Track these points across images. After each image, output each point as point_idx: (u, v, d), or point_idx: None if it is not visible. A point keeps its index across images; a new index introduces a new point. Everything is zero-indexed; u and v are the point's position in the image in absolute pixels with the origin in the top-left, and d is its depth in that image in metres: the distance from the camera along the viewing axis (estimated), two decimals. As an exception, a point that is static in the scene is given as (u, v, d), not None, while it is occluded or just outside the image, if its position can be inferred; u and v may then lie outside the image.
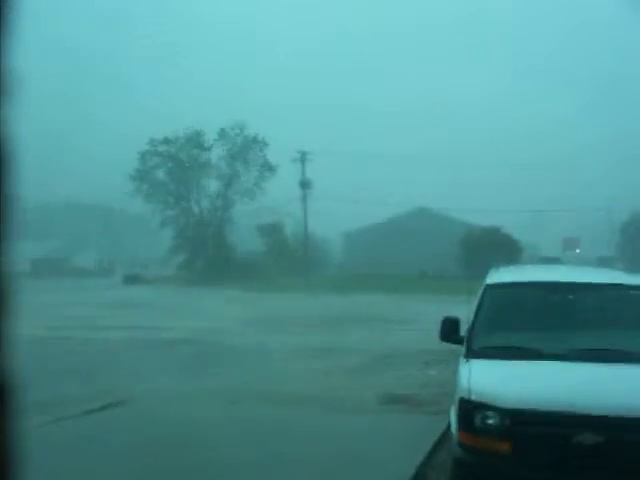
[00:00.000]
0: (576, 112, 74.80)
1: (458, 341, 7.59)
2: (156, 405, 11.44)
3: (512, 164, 69.26)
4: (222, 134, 65.14)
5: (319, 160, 63.41)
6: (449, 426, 7.32)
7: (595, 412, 6.02)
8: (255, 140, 64.80)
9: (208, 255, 62.57)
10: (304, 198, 64.29)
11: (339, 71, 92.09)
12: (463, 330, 7.62)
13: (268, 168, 64.78)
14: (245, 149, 65.24)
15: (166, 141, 65.44)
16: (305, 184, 64.45)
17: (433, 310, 17.07)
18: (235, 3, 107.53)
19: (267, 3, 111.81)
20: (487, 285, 7.92)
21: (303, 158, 64.33)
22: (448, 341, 7.76)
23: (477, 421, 6.34)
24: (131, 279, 55.76)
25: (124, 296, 38.80)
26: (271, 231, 67.71)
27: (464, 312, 7.92)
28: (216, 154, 66.25)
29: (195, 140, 65.63)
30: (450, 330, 7.71)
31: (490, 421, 6.29)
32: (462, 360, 7.15)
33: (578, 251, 56.75)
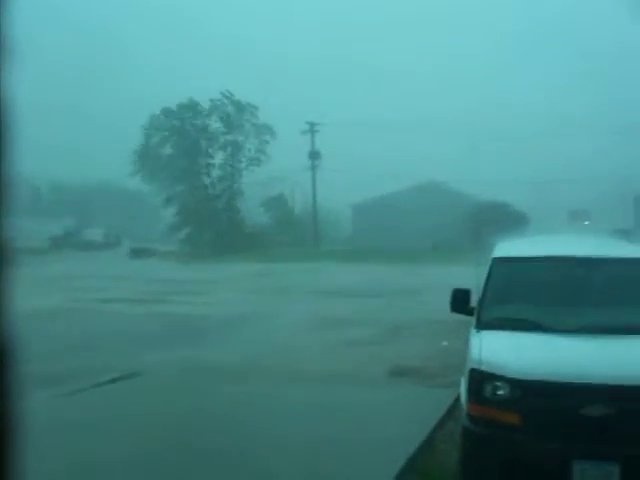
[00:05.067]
0: (586, 79, 74.02)
1: (469, 312, 7.58)
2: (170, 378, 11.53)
3: (519, 133, 68.76)
4: (213, 104, 64.78)
5: (328, 131, 63.12)
6: (458, 398, 7.34)
7: (604, 382, 6.02)
8: (246, 106, 64.37)
9: (216, 228, 62.54)
10: (313, 169, 64.12)
11: (347, 38, 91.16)
12: (474, 301, 7.61)
13: (267, 131, 64.48)
14: (238, 116, 64.89)
15: (167, 113, 64.98)
16: (314, 155, 64.23)
17: (443, 281, 17.07)
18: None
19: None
20: (496, 257, 7.89)
21: (312, 129, 64.06)
22: (459, 312, 7.74)
23: (487, 392, 6.34)
24: (138, 252, 56.00)
25: (133, 269, 38.99)
26: (278, 203, 67.64)
27: (473, 283, 7.89)
28: (216, 124, 66.06)
29: (196, 110, 65.23)
30: (461, 301, 7.70)
31: (500, 392, 6.28)
32: (473, 331, 7.14)
33: (587, 223, 56.31)
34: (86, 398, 10.07)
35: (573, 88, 73.57)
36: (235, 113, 64.96)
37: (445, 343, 13.94)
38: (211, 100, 64.24)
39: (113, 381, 11.14)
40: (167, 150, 66.34)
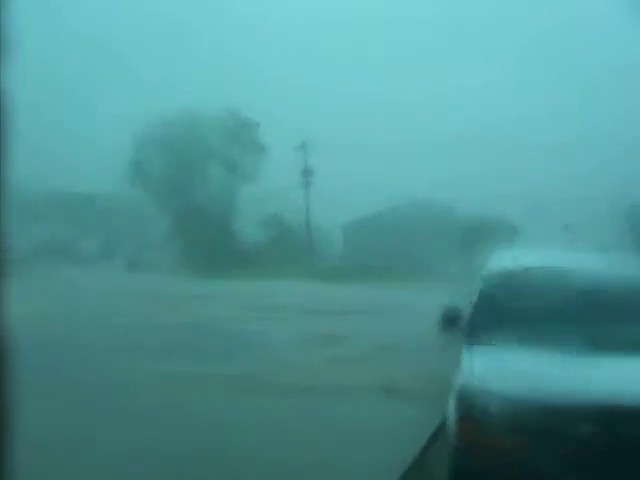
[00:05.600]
0: (579, 98, 74.18)
1: (458, 330, 7.49)
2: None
3: (512, 150, 68.81)
4: (216, 118, 64.96)
5: (322, 148, 63.20)
6: (445, 417, 7.29)
7: (596, 403, 5.95)
8: (248, 123, 64.58)
9: (211, 242, 62.48)
10: (306, 186, 64.24)
11: (341, 59, 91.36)
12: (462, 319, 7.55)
13: (261, 149, 64.71)
14: (239, 132, 65.11)
15: (164, 125, 65.02)
16: (307, 172, 64.38)
17: (432, 299, 17.03)
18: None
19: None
20: (486, 272, 7.84)
21: (306, 146, 64.23)
22: (448, 330, 7.66)
23: (477, 409, 6.22)
24: (133, 266, 55.86)
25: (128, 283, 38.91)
26: (274, 221, 67.64)
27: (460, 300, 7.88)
28: (213, 138, 66.10)
29: (195, 124, 65.37)
30: (450, 319, 7.63)
31: (490, 409, 6.15)
32: (462, 348, 7.05)
33: (578, 238, 56.23)
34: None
35: (573, 103, 73.64)
36: (236, 129, 65.10)
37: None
38: (213, 114, 64.38)
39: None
40: (162, 162, 66.32)
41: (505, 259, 8.40)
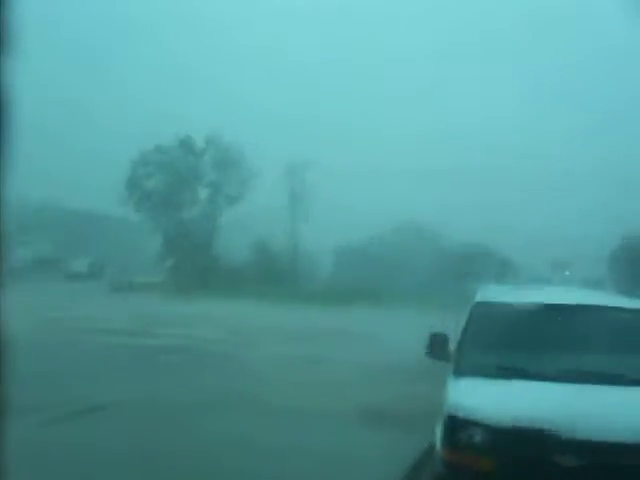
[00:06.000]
0: (570, 139, 75.02)
1: (446, 358, 7.53)
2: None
3: (508, 185, 69.35)
4: (208, 141, 65.36)
5: (311, 172, 63.54)
6: (431, 446, 7.28)
7: (580, 436, 5.96)
8: (235, 146, 65.07)
9: (197, 263, 62.51)
10: (294, 210, 64.53)
11: (335, 85, 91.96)
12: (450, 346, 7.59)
13: (252, 175, 65.08)
14: (226, 156, 65.53)
15: (158, 150, 65.55)
16: (295, 196, 64.67)
17: (418, 325, 17.06)
18: (240, 6, 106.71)
19: (268, 13, 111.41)
20: (476, 303, 7.90)
21: (294, 170, 64.58)
22: (435, 357, 7.69)
23: (463, 438, 6.28)
24: (120, 285, 55.58)
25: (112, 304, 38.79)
26: (257, 242, 67.71)
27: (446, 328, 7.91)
28: (204, 161, 66.50)
29: (186, 146, 65.83)
30: (438, 346, 7.67)
31: (476, 439, 6.23)
32: (450, 376, 7.09)
33: (568, 273, 56.89)
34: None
35: (570, 141, 74.42)
36: (224, 153, 65.54)
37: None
38: (205, 138, 64.87)
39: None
40: (153, 183, 66.61)
41: (494, 292, 8.48)
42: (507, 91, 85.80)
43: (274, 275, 62.40)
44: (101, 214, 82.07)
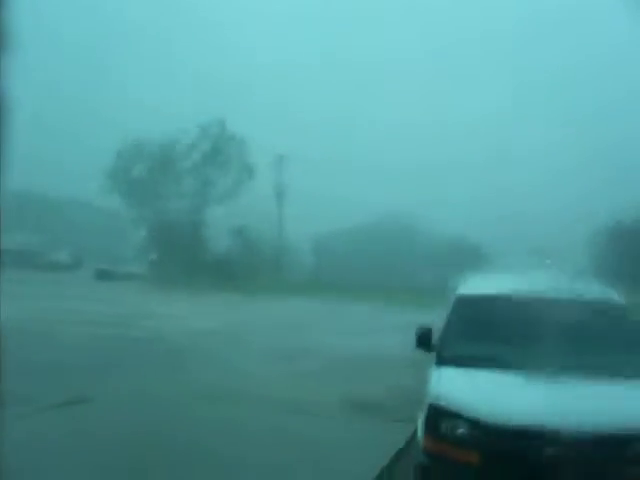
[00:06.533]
0: (552, 132, 75.26)
1: (431, 349, 7.60)
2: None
3: (491, 177, 69.47)
4: (202, 132, 65.09)
5: (297, 163, 63.35)
6: (413, 435, 7.35)
7: (560, 427, 6.05)
8: (233, 139, 64.70)
9: (181, 255, 62.26)
10: (279, 201, 64.34)
11: (323, 79, 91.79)
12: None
13: (247, 170, 64.65)
14: (223, 148, 65.16)
15: (144, 140, 65.19)
16: (281, 187, 64.49)
17: (399, 319, 17.19)
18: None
19: (260, 7, 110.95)
20: (458, 294, 7.96)
21: (280, 160, 64.36)
22: (422, 349, 7.75)
23: (445, 429, 6.36)
24: (103, 275, 55.22)
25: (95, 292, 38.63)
26: (242, 232, 67.52)
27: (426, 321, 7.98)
28: (195, 153, 66.22)
29: (173, 138, 65.45)
30: (424, 338, 7.72)
31: (458, 430, 6.31)
32: (432, 367, 7.18)
33: (549, 261, 57.09)
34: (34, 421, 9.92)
35: (552, 133, 74.63)
36: (212, 145, 65.13)
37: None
38: (193, 130, 64.55)
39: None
40: (138, 173, 66.24)
41: (477, 283, 8.54)
42: (492, 87, 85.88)
43: (258, 267, 62.30)
44: (85, 203, 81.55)
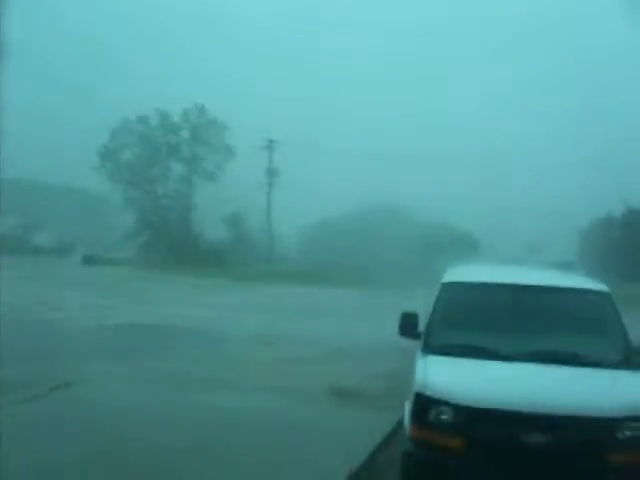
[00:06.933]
0: (544, 126, 75.57)
1: (416, 336, 7.64)
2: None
3: (482, 169, 69.50)
4: (185, 116, 65.09)
5: (287, 149, 63.20)
6: (400, 422, 7.37)
7: (545, 412, 6.16)
8: (215, 122, 64.72)
9: (170, 240, 62.18)
10: (270, 187, 64.27)
11: (312, 64, 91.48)
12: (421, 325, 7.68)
13: (228, 151, 64.81)
14: (206, 131, 65.27)
15: (133, 123, 65.10)
16: (272, 173, 64.38)
17: (389, 304, 17.19)
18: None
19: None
20: (445, 283, 7.98)
21: (271, 146, 64.26)
22: (407, 336, 7.80)
23: (431, 416, 6.42)
24: (90, 260, 54.91)
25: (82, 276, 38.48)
26: (234, 220, 67.45)
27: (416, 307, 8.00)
28: (180, 136, 66.22)
29: (162, 121, 65.41)
30: (409, 325, 7.77)
31: (444, 417, 6.37)
32: (419, 355, 7.21)
33: (538, 254, 57.25)
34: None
35: (544, 128, 74.85)
36: (203, 127, 65.27)
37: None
38: (183, 111, 64.51)
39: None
40: (128, 155, 66.17)
41: (462, 272, 8.57)
42: (486, 79, 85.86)
43: (246, 253, 62.31)
44: (73, 188, 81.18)
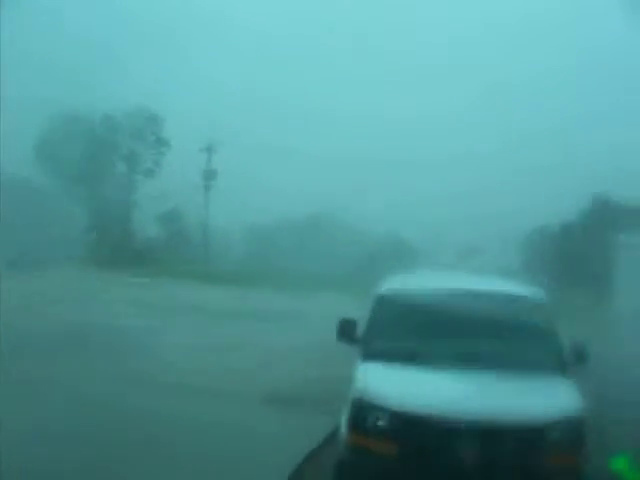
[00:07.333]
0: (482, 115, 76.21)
1: (354, 342, 7.66)
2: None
3: (424, 176, 70.04)
4: (126, 112, 64.65)
5: (227, 150, 62.96)
6: (336, 430, 7.37)
7: (476, 418, 6.25)
8: (153, 118, 64.39)
9: (109, 238, 61.41)
10: (207, 187, 64.08)
11: (265, 57, 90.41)
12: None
13: (164, 144, 64.47)
14: (143, 128, 64.96)
15: (73, 119, 64.21)
16: (210, 174, 64.18)
17: (328, 309, 17.15)
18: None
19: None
20: (382, 289, 8.01)
21: (211, 147, 64.06)
22: (345, 341, 7.80)
23: (367, 422, 6.47)
24: (21, 262, 53.34)
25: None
26: (170, 217, 66.91)
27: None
28: (121, 133, 65.69)
29: (103, 117, 64.76)
30: (347, 331, 7.77)
31: (380, 423, 6.43)
32: (357, 361, 7.25)
33: (477, 260, 57.92)
34: None
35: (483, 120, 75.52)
36: (142, 124, 64.90)
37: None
38: (122, 110, 64.02)
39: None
40: (68, 153, 65.23)
41: (400, 280, 8.62)
42: (438, 90, 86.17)
43: (187, 253, 61.84)
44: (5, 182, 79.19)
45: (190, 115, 63.76)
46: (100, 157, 65.08)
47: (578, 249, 53.68)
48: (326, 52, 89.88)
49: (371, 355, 7.19)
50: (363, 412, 6.49)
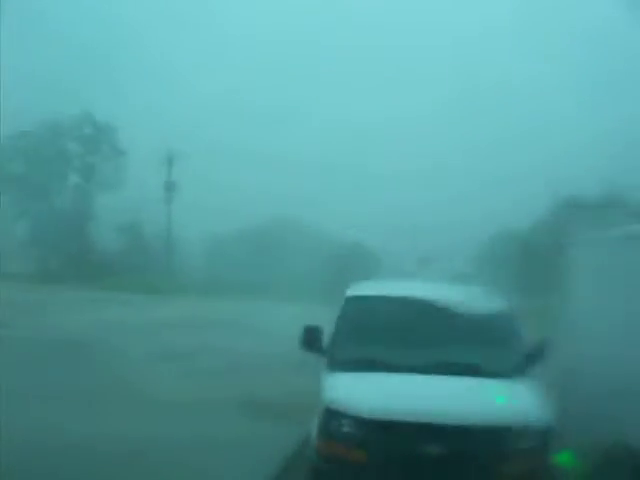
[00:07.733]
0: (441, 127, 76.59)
1: (320, 350, 7.67)
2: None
3: (378, 177, 70.29)
4: (78, 123, 63.80)
5: (189, 160, 62.43)
6: (306, 439, 7.42)
7: (443, 422, 6.34)
8: (106, 127, 63.69)
9: (66, 251, 60.59)
10: (169, 199, 63.53)
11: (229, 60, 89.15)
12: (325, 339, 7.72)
13: (119, 154, 63.82)
14: (96, 138, 64.17)
15: (21, 133, 63.07)
16: (170, 185, 63.66)
17: (293, 319, 17.13)
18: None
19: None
20: (348, 297, 8.07)
21: (171, 159, 63.58)
22: (309, 350, 7.79)
23: (336, 430, 6.51)
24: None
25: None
26: (131, 230, 66.28)
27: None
28: (74, 145, 64.79)
29: (54, 129, 63.77)
30: (312, 339, 7.76)
31: (349, 430, 6.47)
32: (325, 370, 7.30)
33: (435, 267, 58.36)
34: None
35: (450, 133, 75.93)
36: (93, 134, 63.98)
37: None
38: (70, 119, 63.06)
39: None
40: (17, 167, 64.14)
41: (365, 288, 8.68)
42: (405, 95, 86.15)
43: (148, 264, 61.29)
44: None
45: (149, 125, 63.34)
46: (49, 169, 63.95)
47: (540, 252, 54.23)
48: (291, 57, 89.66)
49: (338, 363, 7.24)
50: (332, 420, 6.54)
